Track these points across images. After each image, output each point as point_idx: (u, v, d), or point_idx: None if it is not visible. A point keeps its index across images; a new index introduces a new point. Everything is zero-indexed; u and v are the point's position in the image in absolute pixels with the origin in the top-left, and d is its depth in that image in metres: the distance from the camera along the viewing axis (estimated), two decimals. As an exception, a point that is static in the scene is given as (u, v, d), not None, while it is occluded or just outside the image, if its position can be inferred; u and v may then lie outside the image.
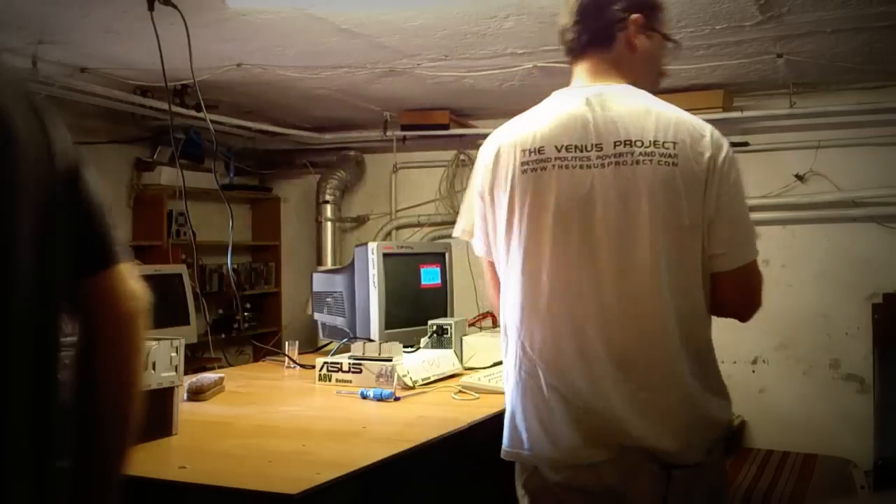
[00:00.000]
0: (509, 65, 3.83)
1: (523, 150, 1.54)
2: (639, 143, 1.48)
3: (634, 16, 1.57)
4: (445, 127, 4.94)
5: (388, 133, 5.20)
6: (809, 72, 3.91)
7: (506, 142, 1.59)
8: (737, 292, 1.54)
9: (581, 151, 1.50)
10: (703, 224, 1.48)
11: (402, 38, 3.48)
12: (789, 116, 4.25)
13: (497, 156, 1.58)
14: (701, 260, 1.50)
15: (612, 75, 1.58)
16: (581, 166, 1.49)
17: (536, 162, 1.52)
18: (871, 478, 3.85)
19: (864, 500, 3.70)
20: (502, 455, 1.57)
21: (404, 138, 5.21)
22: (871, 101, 4.17)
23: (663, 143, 1.47)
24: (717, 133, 1.51)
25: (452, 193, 5.19)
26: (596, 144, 1.50)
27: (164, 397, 1.57)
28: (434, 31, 3.39)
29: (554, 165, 1.51)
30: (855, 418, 4.12)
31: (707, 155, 1.47)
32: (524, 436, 1.53)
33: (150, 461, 1.43)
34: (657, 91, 1.61)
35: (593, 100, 1.53)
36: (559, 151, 1.51)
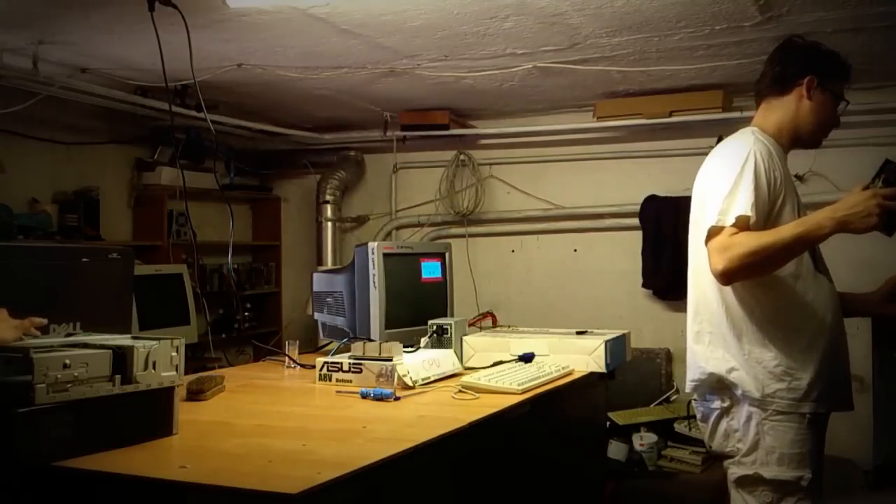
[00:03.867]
0: (509, 65, 3.83)
1: None
2: None
3: (808, 77, 2.07)
4: (445, 127, 4.94)
5: (388, 133, 5.20)
6: (809, 72, 3.92)
7: None
8: None
9: None
10: None
11: (402, 38, 3.48)
12: (789, 116, 4.25)
13: None
14: None
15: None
16: None
17: None
18: (871, 478, 3.85)
19: (864, 501, 3.70)
20: None
21: (404, 138, 5.22)
22: (871, 101, 4.16)
23: None
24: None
25: (452, 193, 5.18)
26: None
27: (164, 397, 1.57)
28: (434, 32, 3.39)
29: None
30: (855, 418, 4.11)
31: None
32: None
33: (150, 461, 1.44)
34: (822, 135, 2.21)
35: None
36: None
